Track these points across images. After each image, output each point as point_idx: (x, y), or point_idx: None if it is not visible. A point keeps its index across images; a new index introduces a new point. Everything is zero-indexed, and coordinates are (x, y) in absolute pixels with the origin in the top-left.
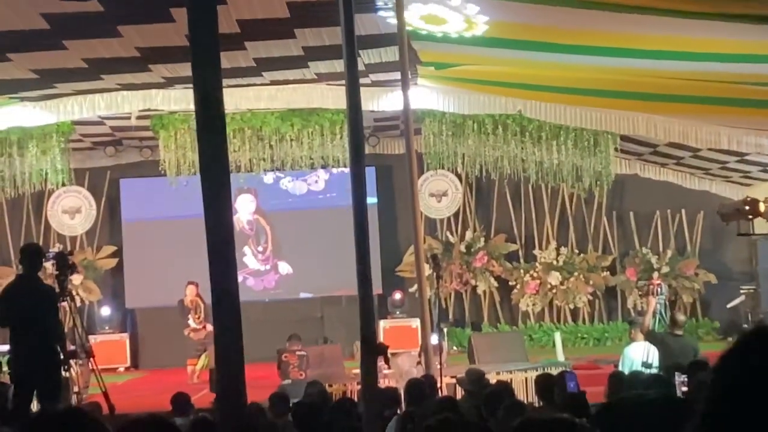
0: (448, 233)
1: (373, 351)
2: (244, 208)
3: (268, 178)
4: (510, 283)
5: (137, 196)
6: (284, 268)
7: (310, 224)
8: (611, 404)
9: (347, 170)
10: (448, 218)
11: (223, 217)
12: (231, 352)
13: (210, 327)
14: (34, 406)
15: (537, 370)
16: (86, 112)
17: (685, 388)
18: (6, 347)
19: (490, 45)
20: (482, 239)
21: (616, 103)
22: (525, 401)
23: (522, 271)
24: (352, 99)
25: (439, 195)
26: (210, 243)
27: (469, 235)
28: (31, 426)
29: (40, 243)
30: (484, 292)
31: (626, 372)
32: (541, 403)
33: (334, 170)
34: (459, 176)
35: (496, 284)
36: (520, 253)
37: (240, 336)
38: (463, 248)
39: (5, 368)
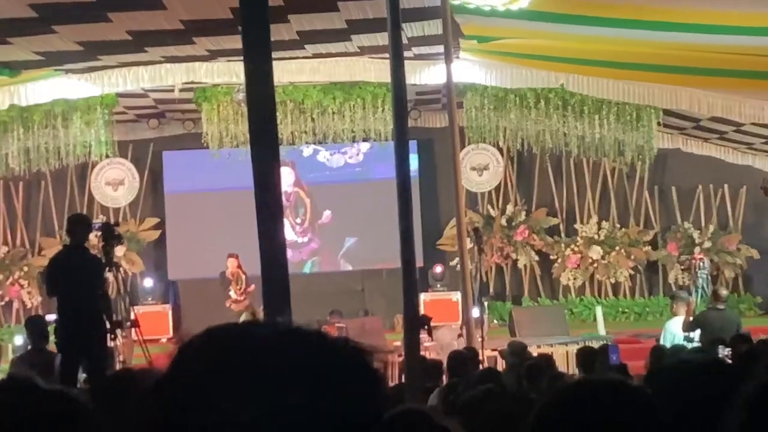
0: (489, 207)
1: (415, 322)
2: (283, 180)
3: (308, 150)
4: (551, 257)
5: (180, 168)
6: (322, 241)
7: (348, 197)
8: (655, 371)
9: (388, 143)
10: (489, 192)
11: (272, 190)
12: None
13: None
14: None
15: (578, 344)
16: (130, 84)
17: (729, 361)
18: (54, 316)
19: (534, 18)
20: (523, 213)
21: (659, 77)
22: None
23: (563, 245)
24: (396, 73)
25: (480, 169)
26: (259, 215)
27: (510, 209)
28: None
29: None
30: (525, 266)
31: (668, 346)
32: (582, 375)
33: (376, 144)
34: (500, 150)
35: (536, 258)
36: (561, 227)
37: (288, 304)
38: (504, 222)
39: (52, 337)
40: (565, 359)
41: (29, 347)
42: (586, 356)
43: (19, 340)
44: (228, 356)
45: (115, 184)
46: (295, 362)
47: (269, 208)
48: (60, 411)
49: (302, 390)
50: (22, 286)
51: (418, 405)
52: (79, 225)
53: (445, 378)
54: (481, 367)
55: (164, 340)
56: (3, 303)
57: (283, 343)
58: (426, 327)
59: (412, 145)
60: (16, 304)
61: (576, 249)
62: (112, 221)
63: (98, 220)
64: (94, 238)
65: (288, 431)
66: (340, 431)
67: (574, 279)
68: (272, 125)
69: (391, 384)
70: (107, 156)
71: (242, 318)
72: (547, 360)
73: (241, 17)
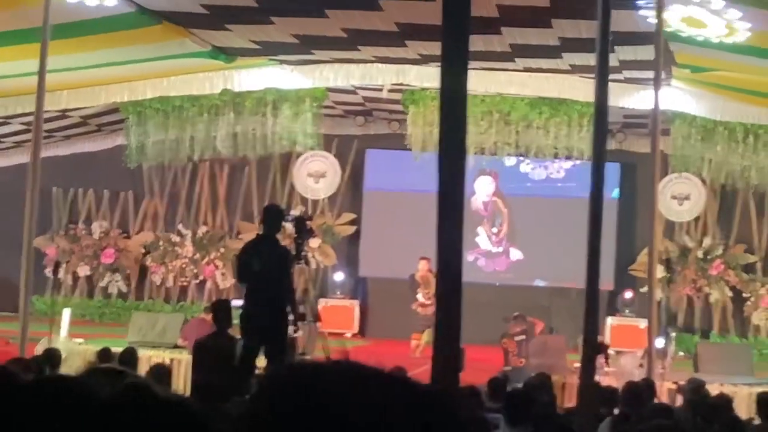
0: (687, 238)
1: (593, 349)
2: (482, 190)
3: (510, 161)
4: (744, 295)
5: (381, 167)
6: (516, 253)
7: (546, 212)
8: None
9: (590, 163)
10: (688, 223)
11: (455, 195)
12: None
13: None
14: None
15: (763, 387)
16: (341, 80)
17: None
18: (240, 302)
19: (751, 53)
20: (721, 248)
21: None
22: (744, 417)
23: (758, 283)
24: (600, 92)
25: (681, 198)
26: (440, 216)
27: (707, 241)
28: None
29: (284, 204)
30: (717, 300)
31: None
32: (760, 422)
33: (578, 162)
34: (703, 181)
35: (730, 294)
36: (758, 265)
37: (458, 313)
38: (700, 254)
39: (236, 322)
40: (747, 401)
41: (213, 329)
42: (766, 402)
43: None
44: (316, 397)
45: (317, 177)
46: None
47: (450, 212)
48: (177, 423)
49: None
50: (217, 267)
51: None
52: (272, 216)
53: (619, 407)
54: (656, 400)
55: (349, 335)
56: (197, 281)
57: (370, 389)
58: (603, 354)
59: (615, 167)
60: (209, 284)
61: None
62: (309, 213)
63: (295, 211)
64: (290, 227)
65: None
66: None
67: (767, 320)
68: (461, 133)
69: (565, 406)
70: (312, 148)
71: (426, 334)
72: (726, 401)
73: (442, 24)
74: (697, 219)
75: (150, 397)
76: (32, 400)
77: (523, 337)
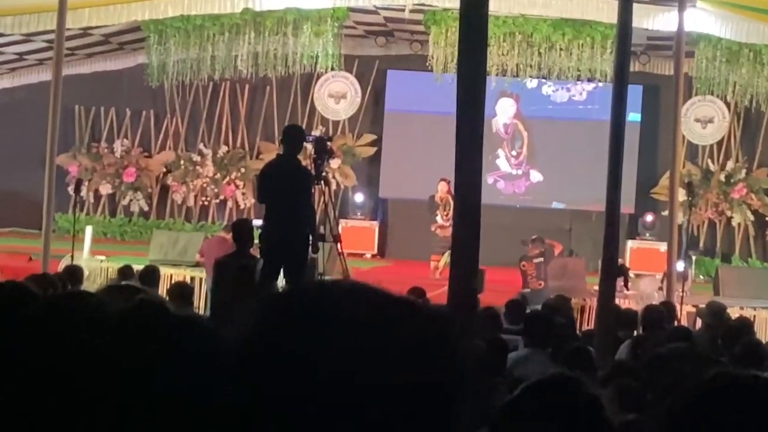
0: (709, 161)
1: (613, 269)
2: (503, 112)
3: (532, 83)
4: (767, 219)
5: (402, 88)
6: (536, 176)
7: (567, 134)
8: None
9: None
10: (711, 146)
11: (475, 113)
12: (467, 250)
13: None
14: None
15: None
16: (362, 0)
17: None
18: (260, 222)
19: None
20: (743, 171)
21: None
22: (764, 340)
23: None
24: (624, 15)
25: (704, 121)
26: (459, 138)
27: (730, 165)
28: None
29: (304, 124)
30: (739, 224)
31: None
32: None
33: (600, 84)
34: (728, 104)
35: (752, 218)
36: None
37: (477, 234)
38: (722, 178)
39: (257, 242)
40: (767, 324)
41: (234, 249)
42: None
43: None
44: (317, 309)
45: (337, 97)
46: (383, 324)
47: (468, 134)
48: (189, 338)
49: (388, 354)
50: (237, 187)
51: (566, 372)
52: (293, 136)
53: (638, 330)
54: (676, 323)
55: (368, 255)
56: (218, 201)
57: (374, 304)
58: (623, 277)
59: (638, 89)
60: (230, 204)
61: None
62: (329, 134)
63: (316, 131)
64: (310, 148)
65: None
66: (416, 395)
67: None
68: (481, 54)
69: (584, 329)
70: (333, 68)
71: (445, 256)
72: (746, 325)
73: None
74: (720, 142)
75: (161, 313)
76: (45, 315)
77: (542, 259)
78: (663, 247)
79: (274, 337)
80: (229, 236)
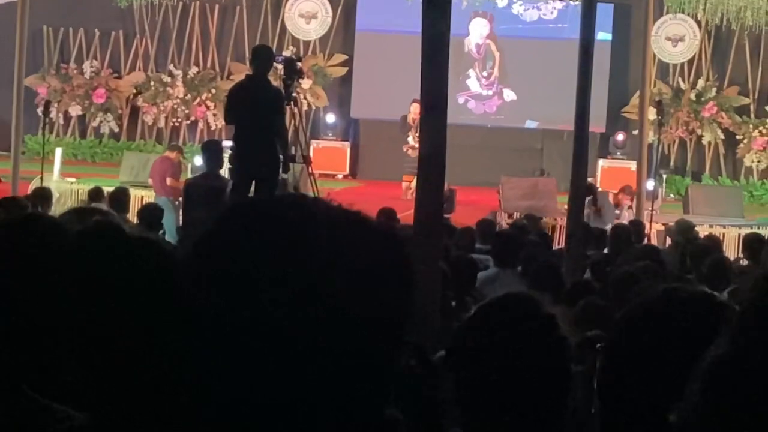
0: (680, 79)
1: (581, 188)
2: (475, 32)
3: (502, 2)
4: (737, 137)
5: (374, 7)
6: (509, 94)
7: (538, 54)
8: None
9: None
10: (682, 65)
11: (440, 34)
12: (434, 168)
13: None
14: None
15: (751, 228)
16: None
17: None
18: (230, 143)
19: None
20: (714, 89)
21: None
22: (732, 258)
23: (751, 126)
24: None
25: (675, 39)
26: (424, 53)
27: (701, 83)
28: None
29: (275, 45)
30: (709, 143)
31: None
32: (747, 262)
33: (571, 2)
34: (698, 22)
35: (722, 136)
36: (752, 107)
37: (443, 152)
38: (693, 96)
39: (227, 164)
40: (736, 242)
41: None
42: (753, 243)
43: (198, 161)
44: (271, 228)
45: (308, 17)
46: (338, 242)
47: (434, 52)
48: (147, 259)
49: (342, 273)
50: (208, 108)
51: (523, 291)
52: (262, 56)
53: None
54: (645, 242)
55: (340, 176)
56: (189, 122)
57: (329, 222)
58: (592, 195)
59: (609, 8)
60: (200, 125)
61: (764, 131)
62: (300, 54)
63: (287, 52)
64: (280, 68)
65: (319, 311)
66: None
67: (758, 161)
68: None
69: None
70: None
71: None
72: (714, 242)
73: None
74: (690, 61)
75: (116, 234)
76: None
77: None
78: (633, 165)
79: (217, 246)
80: (173, 155)
